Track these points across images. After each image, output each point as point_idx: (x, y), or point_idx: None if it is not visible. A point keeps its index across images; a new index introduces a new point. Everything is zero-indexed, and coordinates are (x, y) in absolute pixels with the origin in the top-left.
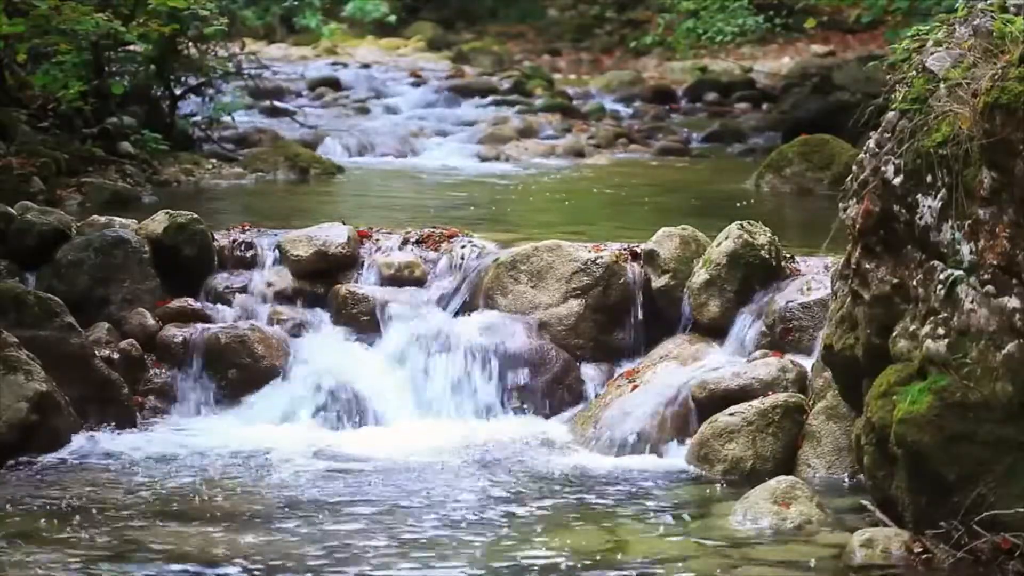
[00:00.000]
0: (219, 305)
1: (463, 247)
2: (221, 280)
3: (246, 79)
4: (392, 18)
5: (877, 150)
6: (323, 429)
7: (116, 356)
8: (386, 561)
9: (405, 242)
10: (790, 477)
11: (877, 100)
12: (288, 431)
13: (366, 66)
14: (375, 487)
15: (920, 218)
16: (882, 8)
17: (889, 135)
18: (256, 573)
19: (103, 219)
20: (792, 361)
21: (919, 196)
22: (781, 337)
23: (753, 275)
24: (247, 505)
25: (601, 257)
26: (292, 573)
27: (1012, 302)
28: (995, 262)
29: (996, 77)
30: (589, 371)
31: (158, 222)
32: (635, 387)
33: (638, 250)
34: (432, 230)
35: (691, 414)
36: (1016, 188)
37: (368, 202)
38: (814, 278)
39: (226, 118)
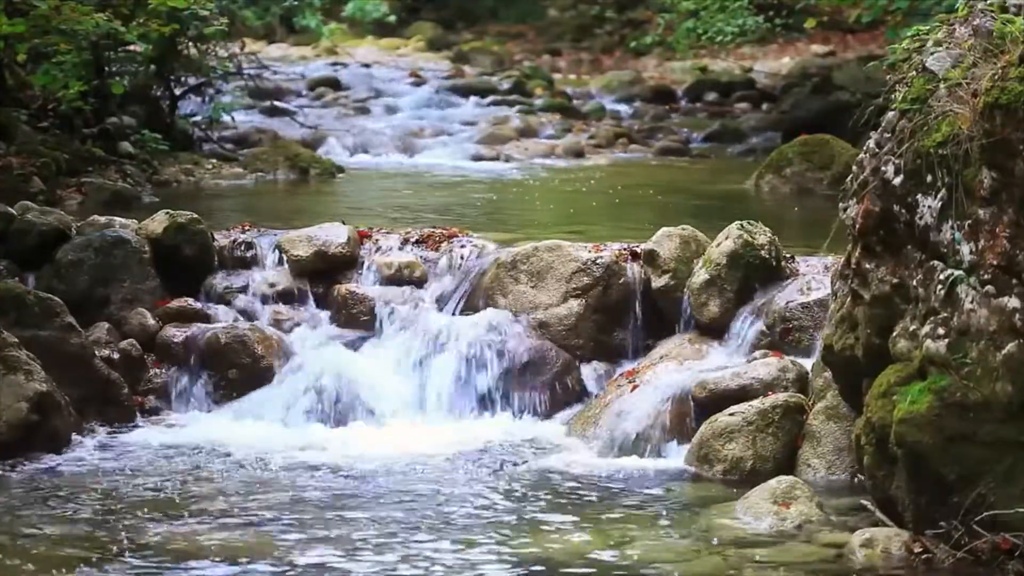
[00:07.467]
0: (219, 305)
1: (463, 247)
2: (221, 280)
3: (246, 79)
4: (392, 18)
5: (877, 150)
6: (322, 429)
7: (116, 356)
8: (384, 560)
9: (405, 242)
10: (790, 477)
11: (877, 100)
12: (288, 431)
13: (366, 66)
14: (374, 487)
15: (920, 218)
16: (882, 8)
17: (889, 135)
18: (255, 572)
19: (103, 219)
20: (792, 361)
21: (919, 196)
22: (781, 337)
23: (753, 275)
24: (247, 504)
25: (601, 257)
26: (291, 572)
27: (1012, 302)
28: (995, 262)
29: (996, 77)
30: (589, 371)
31: (158, 222)
32: (635, 387)
33: (638, 250)
34: (432, 230)
35: (691, 414)
36: (1016, 188)
37: (368, 202)
38: (814, 278)
39: (226, 118)
